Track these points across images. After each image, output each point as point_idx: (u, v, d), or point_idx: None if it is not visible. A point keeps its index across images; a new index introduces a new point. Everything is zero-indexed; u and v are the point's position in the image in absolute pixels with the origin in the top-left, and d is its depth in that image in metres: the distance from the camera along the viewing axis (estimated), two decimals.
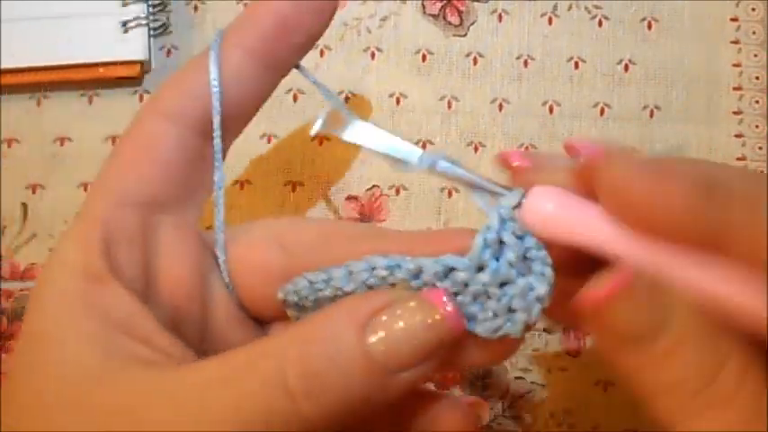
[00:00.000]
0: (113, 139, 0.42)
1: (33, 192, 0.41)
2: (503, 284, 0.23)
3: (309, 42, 0.27)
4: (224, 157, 0.26)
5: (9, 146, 0.41)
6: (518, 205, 0.23)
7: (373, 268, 0.23)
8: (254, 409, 0.20)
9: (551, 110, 0.43)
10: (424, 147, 0.42)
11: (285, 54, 0.27)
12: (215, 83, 0.25)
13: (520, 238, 0.23)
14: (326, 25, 0.27)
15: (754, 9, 0.44)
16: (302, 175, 0.42)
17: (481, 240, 0.23)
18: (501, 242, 0.23)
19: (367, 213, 0.42)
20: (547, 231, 0.23)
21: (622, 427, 0.42)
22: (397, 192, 0.42)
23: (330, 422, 0.21)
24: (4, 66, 0.40)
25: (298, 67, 0.28)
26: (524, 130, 0.43)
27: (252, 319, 0.27)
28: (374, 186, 0.42)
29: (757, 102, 0.44)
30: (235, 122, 0.27)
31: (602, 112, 0.43)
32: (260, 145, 0.42)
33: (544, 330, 0.42)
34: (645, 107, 0.43)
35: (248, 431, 0.20)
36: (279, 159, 0.42)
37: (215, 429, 0.20)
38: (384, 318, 0.21)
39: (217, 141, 0.25)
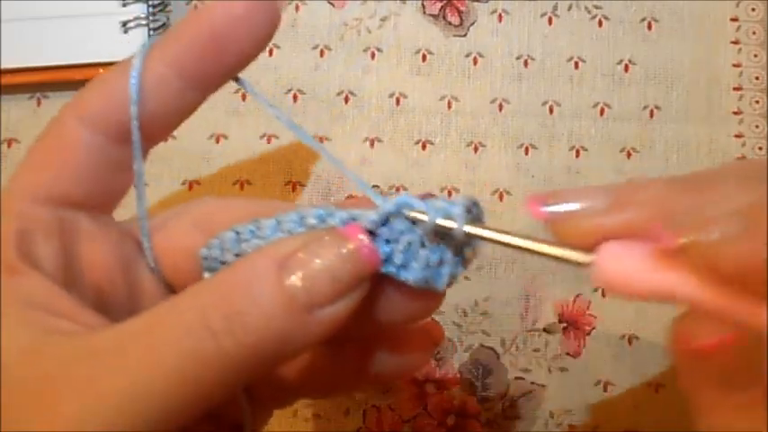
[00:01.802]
0: None
1: None
2: (435, 241, 0.24)
3: (244, 60, 0.25)
4: (144, 158, 0.26)
5: (9, 146, 0.41)
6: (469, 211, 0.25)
7: (303, 217, 0.24)
8: (178, 354, 0.21)
9: (551, 110, 0.43)
10: (423, 147, 0.42)
11: (214, 71, 0.25)
12: (134, 91, 0.24)
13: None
14: (267, 41, 0.25)
15: (754, 9, 0.44)
16: (302, 175, 0.42)
17: (390, 206, 0.24)
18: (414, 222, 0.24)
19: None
20: (625, 289, 0.23)
21: (622, 427, 0.42)
22: (398, 191, 0.42)
23: (255, 360, 0.21)
24: (4, 66, 0.40)
25: (237, 80, 0.26)
26: (524, 130, 0.43)
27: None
28: (374, 186, 0.42)
29: (757, 102, 0.44)
30: (153, 133, 0.26)
31: (602, 112, 0.43)
32: (260, 145, 0.42)
33: (544, 330, 0.42)
34: (645, 107, 0.43)
35: (174, 377, 0.21)
36: (279, 159, 0.42)
37: (139, 378, 0.21)
38: (301, 254, 0.22)
39: (136, 140, 0.25)
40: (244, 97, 0.42)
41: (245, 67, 0.26)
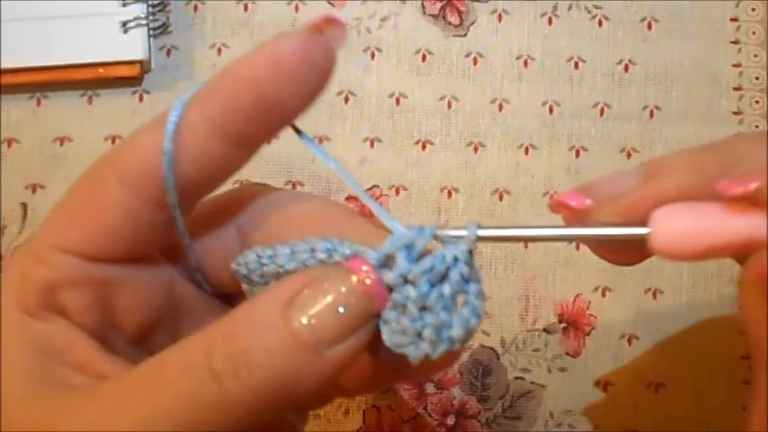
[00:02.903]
0: (113, 138, 0.42)
1: (33, 192, 0.41)
2: (424, 308, 0.23)
3: (296, 114, 0.23)
4: (186, 217, 0.24)
5: (9, 146, 0.41)
6: (472, 244, 0.23)
7: (313, 250, 0.23)
8: (178, 397, 0.20)
9: (551, 110, 0.43)
10: (423, 147, 0.42)
11: (260, 132, 0.23)
12: (168, 156, 0.22)
13: (465, 281, 0.23)
14: (322, 88, 0.23)
15: (754, 9, 0.44)
16: (302, 175, 0.42)
17: (403, 251, 0.23)
18: (444, 276, 0.23)
19: (367, 213, 0.42)
20: (691, 247, 0.22)
21: (622, 427, 0.42)
22: (397, 192, 0.42)
23: (261, 405, 0.21)
24: (4, 66, 0.40)
25: (298, 132, 0.24)
26: (524, 130, 0.43)
27: (227, 301, 0.28)
28: (374, 186, 0.42)
29: (757, 102, 0.44)
30: (196, 193, 0.24)
31: (602, 112, 0.43)
32: None
33: (544, 330, 0.42)
34: (645, 107, 0.43)
35: (174, 421, 0.20)
36: (279, 159, 0.42)
37: (137, 420, 0.20)
38: (307, 292, 0.21)
39: (173, 199, 0.23)
40: None
41: (297, 117, 0.23)
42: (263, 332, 0.21)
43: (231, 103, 0.22)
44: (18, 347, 0.22)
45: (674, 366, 0.42)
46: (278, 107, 0.22)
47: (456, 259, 0.23)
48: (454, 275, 0.23)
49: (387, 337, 0.22)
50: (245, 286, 0.26)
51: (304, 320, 0.21)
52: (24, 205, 0.41)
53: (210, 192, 0.24)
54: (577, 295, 0.42)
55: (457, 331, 0.23)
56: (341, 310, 0.21)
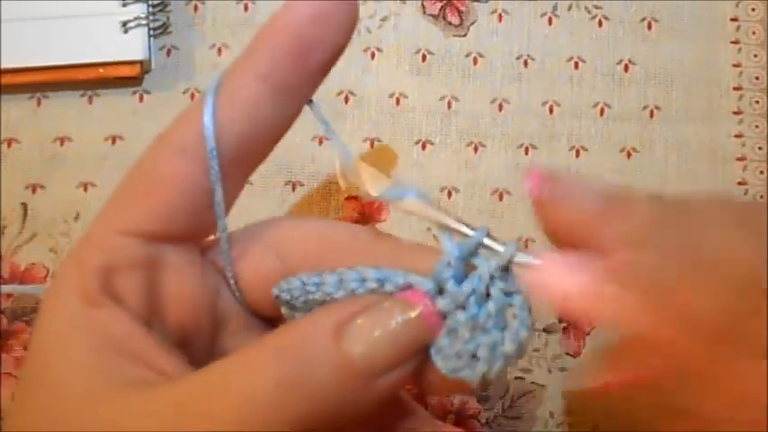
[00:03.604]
0: (113, 138, 0.42)
1: (33, 192, 0.41)
2: (475, 329, 0.23)
3: (329, 64, 0.24)
4: (237, 193, 0.25)
5: (9, 146, 0.41)
6: (509, 260, 0.23)
7: (363, 279, 0.23)
8: (228, 421, 0.20)
9: (551, 110, 0.43)
10: (424, 147, 0.43)
11: (304, 79, 0.24)
12: (208, 125, 0.23)
13: (508, 294, 0.23)
14: (350, 35, 0.24)
15: (754, 9, 0.44)
16: (302, 175, 0.42)
17: (444, 262, 0.23)
18: (487, 293, 0.23)
19: (367, 213, 0.42)
20: (563, 303, 0.23)
21: (622, 427, 0.42)
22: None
23: (307, 429, 0.21)
24: (4, 66, 0.40)
25: (309, 102, 0.25)
26: (524, 130, 0.43)
27: (263, 321, 0.28)
28: None
29: (757, 102, 0.44)
30: (253, 157, 0.25)
31: (602, 112, 0.43)
32: None
33: (544, 330, 0.42)
34: (645, 107, 0.43)
35: None
36: (279, 159, 0.42)
37: None
38: (360, 320, 0.21)
39: (215, 170, 0.24)
40: None
41: (330, 69, 0.24)
42: (314, 359, 0.21)
43: (275, 51, 0.23)
44: (79, 339, 0.22)
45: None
46: (318, 49, 0.23)
47: (493, 278, 0.23)
48: (496, 292, 0.23)
49: (442, 364, 0.22)
50: (285, 311, 0.26)
51: (358, 350, 0.21)
52: (24, 205, 0.41)
53: (264, 156, 0.25)
54: None
55: (510, 346, 0.23)
56: (396, 340, 0.21)
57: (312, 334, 0.21)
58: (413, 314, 0.22)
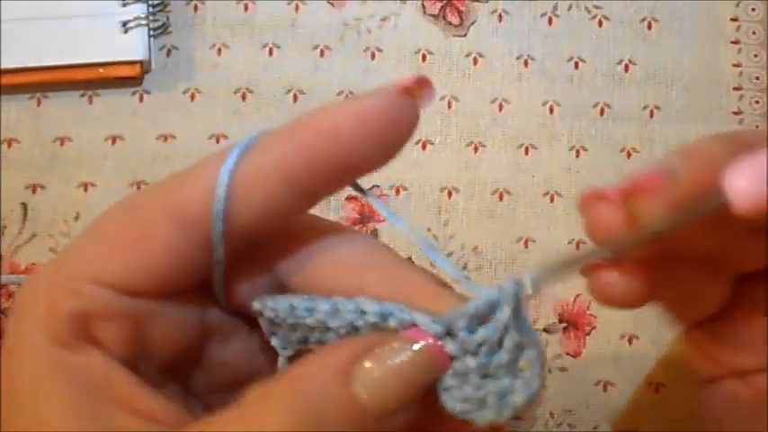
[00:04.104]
0: (113, 139, 0.42)
1: (33, 192, 0.41)
2: (486, 376, 0.22)
3: (369, 171, 0.22)
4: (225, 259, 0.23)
5: (9, 146, 0.41)
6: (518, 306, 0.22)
7: (363, 312, 0.22)
8: None
9: (551, 110, 0.43)
10: (424, 147, 0.42)
11: (332, 188, 0.22)
12: (220, 201, 0.21)
13: (521, 347, 0.22)
14: (400, 148, 0.22)
15: (754, 9, 0.44)
16: None
17: (464, 312, 0.22)
18: (500, 341, 0.22)
19: (367, 213, 0.42)
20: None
21: (623, 427, 0.42)
22: (397, 192, 0.42)
23: None
24: (4, 66, 0.40)
25: (360, 190, 0.23)
26: (524, 130, 0.43)
27: (243, 318, 0.27)
28: (374, 186, 0.42)
29: (757, 102, 0.44)
30: (242, 241, 0.23)
31: (602, 112, 0.43)
32: None
33: (544, 330, 0.42)
34: (645, 107, 0.43)
35: None
36: None
37: None
38: (367, 363, 0.21)
39: (217, 244, 0.22)
40: (244, 97, 0.42)
41: (361, 176, 0.22)
42: (326, 406, 0.20)
43: (310, 157, 0.21)
44: (53, 381, 0.20)
45: (675, 366, 0.42)
46: (358, 166, 0.21)
47: (507, 329, 0.22)
48: (508, 344, 0.22)
49: (450, 405, 0.22)
50: (264, 325, 0.25)
51: (369, 393, 0.21)
52: (24, 205, 0.41)
53: (261, 235, 0.23)
54: (578, 295, 0.42)
55: (521, 397, 0.22)
56: (406, 381, 0.21)
57: (321, 379, 0.21)
58: (422, 355, 0.21)
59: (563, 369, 0.42)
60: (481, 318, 0.22)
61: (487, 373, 0.22)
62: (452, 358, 0.22)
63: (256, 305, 0.24)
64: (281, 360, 0.25)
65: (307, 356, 0.22)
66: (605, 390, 0.42)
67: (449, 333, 0.22)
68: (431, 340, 0.21)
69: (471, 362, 0.22)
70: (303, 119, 0.21)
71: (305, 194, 0.22)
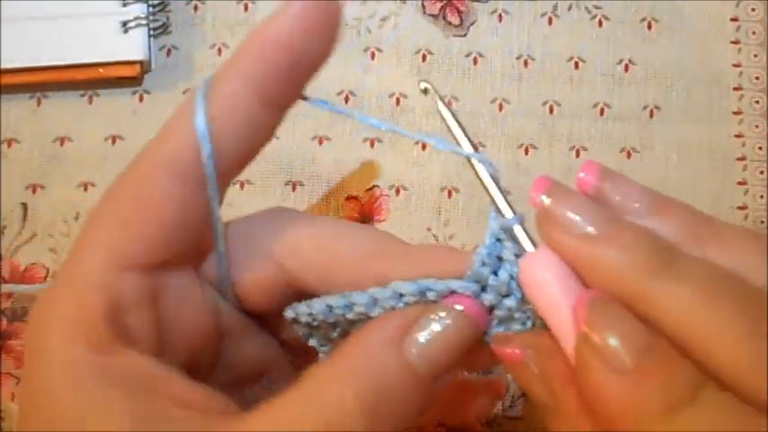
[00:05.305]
0: (113, 138, 0.42)
1: (33, 192, 0.41)
2: (504, 296, 0.24)
3: (315, 68, 0.24)
4: (221, 201, 0.24)
5: (9, 146, 0.41)
6: (513, 226, 0.25)
7: (401, 295, 0.24)
8: None
9: (551, 110, 0.43)
10: (424, 147, 0.43)
11: (293, 90, 0.24)
12: (203, 131, 0.22)
13: (517, 256, 0.24)
14: (333, 44, 0.23)
15: (754, 9, 0.44)
16: (302, 175, 0.42)
17: (479, 261, 0.24)
18: (499, 258, 0.25)
19: (367, 213, 0.42)
20: (535, 294, 0.23)
21: None
22: (398, 192, 0.42)
23: None
24: (4, 66, 0.40)
25: (305, 98, 0.25)
26: (524, 130, 0.43)
27: (255, 318, 0.27)
28: (374, 186, 0.42)
29: (757, 102, 0.44)
30: (233, 166, 0.24)
31: (602, 112, 0.43)
32: None
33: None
34: (645, 107, 0.43)
35: None
36: (279, 159, 0.42)
37: None
38: (418, 334, 0.23)
39: (212, 186, 0.23)
40: None
41: (313, 75, 0.24)
42: (387, 377, 0.22)
43: (269, 65, 0.23)
44: (100, 389, 0.20)
45: None
46: (309, 62, 0.23)
47: (498, 241, 0.25)
48: (507, 256, 0.25)
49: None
50: (302, 331, 0.26)
51: (423, 361, 0.22)
52: (24, 205, 0.41)
53: (247, 163, 0.25)
54: None
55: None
56: (454, 344, 0.23)
57: (375, 353, 0.22)
58: (465, 317, 0.23)
59: None
60: (498, 256, 0.24)
61: (503, 293, 0.24)
62: (491, 310, 0.24)
63: (289, 313, 0.26)
64: (321, 357, 0.27)
65: (352, 337, 0.23)
66: None
67: (483, 288, 0.24)
68: (469, 301, 0.24)
69: (512, 302, 0.24)
70: (249, 39, 0.23)
71: (275, 104, 0.23)
